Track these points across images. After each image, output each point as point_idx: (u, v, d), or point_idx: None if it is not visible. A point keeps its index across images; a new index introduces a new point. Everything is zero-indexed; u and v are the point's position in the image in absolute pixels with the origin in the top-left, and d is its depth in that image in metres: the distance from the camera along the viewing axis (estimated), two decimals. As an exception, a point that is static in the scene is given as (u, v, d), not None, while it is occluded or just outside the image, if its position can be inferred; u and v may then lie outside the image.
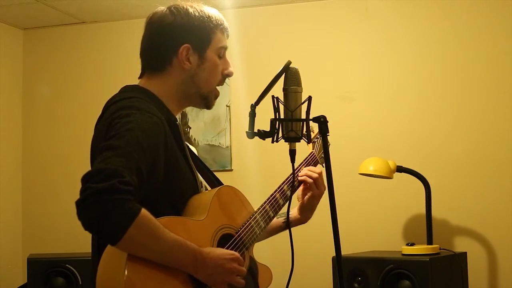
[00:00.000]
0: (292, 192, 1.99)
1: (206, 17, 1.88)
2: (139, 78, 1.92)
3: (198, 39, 1.86)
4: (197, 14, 1.88)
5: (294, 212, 2.15)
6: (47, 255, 3.91)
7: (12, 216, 4.40)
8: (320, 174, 2.10)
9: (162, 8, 1.91)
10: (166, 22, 1.87)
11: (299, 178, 2.09)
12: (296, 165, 1.96)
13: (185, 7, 1.89)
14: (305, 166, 2.18)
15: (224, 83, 1.97)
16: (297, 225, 2.14)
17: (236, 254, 1.75)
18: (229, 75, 1.94)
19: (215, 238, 1.79)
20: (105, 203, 1.46)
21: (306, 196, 2.10)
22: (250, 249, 1.91)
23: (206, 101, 1.91)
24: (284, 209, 2.09)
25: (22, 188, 4.47)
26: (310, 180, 2.08)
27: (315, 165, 2.24)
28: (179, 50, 1.85)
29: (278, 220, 2.14)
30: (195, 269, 1.65)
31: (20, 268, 4.30)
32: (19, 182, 4.47)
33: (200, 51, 1.87)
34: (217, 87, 1.94)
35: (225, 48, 1.92)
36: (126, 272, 1.53)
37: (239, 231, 1.87)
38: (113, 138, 1.59)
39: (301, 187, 2.12)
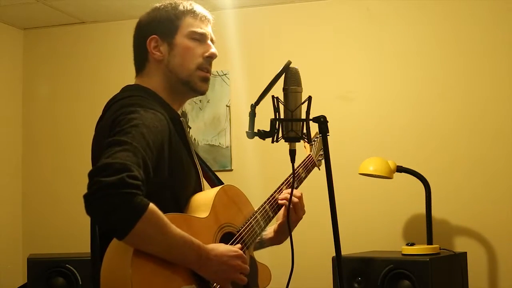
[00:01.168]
0: (291, 189, 1.99)
1: (171, 7, 1.92)
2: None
3: (163, 28, 1.90)
4: (162, 6, 1.93)
5: (270, 232, 2.13)
6: (47, 255, 3.91)
7: (12, 216, 4.40)
8: (300, 198, 2.07)
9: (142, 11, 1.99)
10: (139, 22, 1.96)
11: (279, 201, 2.06)
12: (295, 166, 1.96)
13: (155, 5, 1.95)
14: (303, 168, 2.18)
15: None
16: (270, 246, 2.13)
17: (240, 251, 1.76)
18: (211, 56, 1.93)
19: (217, 236, 1.80)
20: (114, 197, 1.46)
21: (284, 219, 2.06)
22: (251, 249, 1.92)
23: (190, 85, 1.91)
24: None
25: (22, 188, 4.47)
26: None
27: (312, 167, 2.24)
28: (147, 43, 1.89)
29: None
30: (199, 265, 1.66)
31: (20, 268, 4.30)
32: (19, 182, 4.47)
33: (169, 39, 1.90)
34: (206, 72, 1.93)
35: (199, 32, 1.92)
36: (131, 268, 1.54)
37: (240, 230, 1.89)
38: (118, 134, 1.61)
39: (283, 208, 2.08)
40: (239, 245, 1.81)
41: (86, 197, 1.48)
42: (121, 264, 1.56)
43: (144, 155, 1.57)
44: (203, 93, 1.95)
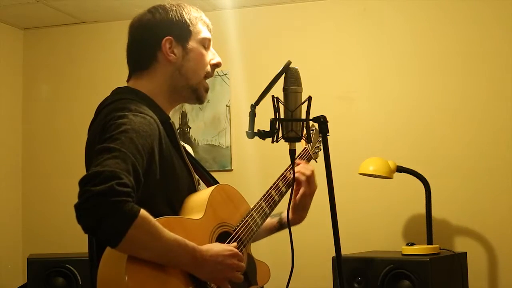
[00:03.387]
0: (291, 189, 1.98)
1: (183, 10, 1.92)
2: (127, 81, 1.94)
3: (179, 30, 1.89)
4: (174, 8, 1.92)
5: (287, 213, 2.15)
6: (47, 255, 3.91)
7: (12, 216, 4.40)
8: (312, 172, 2.10)
9: (141, 11, 1.95)
10: (145, 20, 1.92)
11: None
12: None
13: (162, 4, 1.93)
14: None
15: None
16: (292, 226, 2.14)
17: (235, 249, 1.77)
18: (217, 65, 1.96)
19: (213, 236, 1.80)
20: (104, 206, 1.46)
21: (298, 195, 2.10)
22: (248, 247, 1.92)
23: (196, 93, 1.92)
24: (278, 210, 2.09)
25: (22, 188, 4.47)
26: (303, 178, 2.09)
27: (308, 160, 2.25)
28: (162, 43, 1.87)
29: (272, 220, 2.14)
30: (195, 267, 1.66)
31: (20, 268, 4.30)
32: (19, 182, 4.47)
33: (183, 42, 1.89)
34: (208, 80, 1.95)
35: (208, 39, 1.94)
36: (126, 274, 1.54)
37: (236, 228, 1.88)
38: (108, 141, 1.60)
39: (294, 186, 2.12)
40: (234, 244, 1.81)
41: (76, 207, 1.48)
42: (116, 271, 1.56)
43: (133, 161, 1.57)
44: (202, 102, 1.97)
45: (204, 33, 1.93)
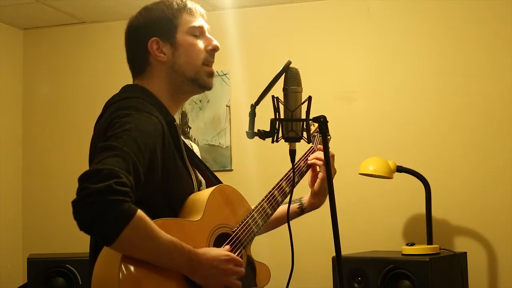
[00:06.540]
0: (291, 188, 1.97)
1: (164, 6, 1.89)
2: (133, 81, 1.94)
3: (163, 28, 1.87)
4: (154, 7, 1.90)
5: (307, 198, 2.16)
6: (47, 255, 3.91)
7: (12, 216, 4.40)
8: (330, 156, 2.07)
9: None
10: (131, 26, 1.92)
11: (308, 162, 2.11)
12: (296, 160, 1.95)
13: (146, 5, 1.92)
14: (304, 162, 2.17)
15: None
16: (311, 210, 2.16)
17: (232, 254, 1.74)
18: (214, 49, 1.92)
19: (212, 238, 1.78)
20: (101, 204, 1.45)
21: (318, 179, 2.10)
22: (248, 248, 1.90)
23: (198, 82, 1.90)
24: (297, 196, 2.07)
25: (22, 188, 4.47)
26: (319, 163, 2.09)
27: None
28: (148, 46, 1.86)
29: (292, 206, 2.12)
30: (190, 270, 1.64)
31: (20, 268, 4.30)
32: (19, 182, 4.47)
33: (170, 39, 1.87)
34: (211, 66, 1.92)
35: (198, 27, 1.91)
36: (120, 274, 1.53)
37: (235, 230, 1.86)
38: (111, 139, 1.60)
39: (309, 174, 2.13)
40: (227, 247, 1.78)
41: (73, 203, 1.48)
42: (110, 270, 1.55)
43: (134, 160, 1.56)
44: (210, 88, 1.94)
45: (192, 22, 1.90)
